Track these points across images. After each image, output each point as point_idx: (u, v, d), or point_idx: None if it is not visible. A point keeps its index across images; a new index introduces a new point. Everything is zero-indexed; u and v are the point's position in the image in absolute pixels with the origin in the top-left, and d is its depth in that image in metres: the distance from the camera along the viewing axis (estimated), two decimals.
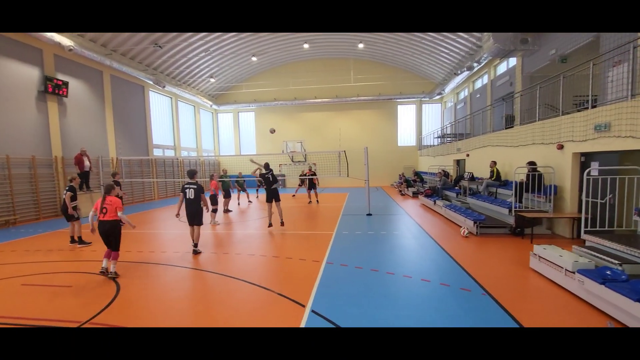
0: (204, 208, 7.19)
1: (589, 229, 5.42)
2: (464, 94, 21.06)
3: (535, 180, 8.12)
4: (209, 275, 5.76)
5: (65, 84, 13.43)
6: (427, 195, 14.11)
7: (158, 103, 20.47)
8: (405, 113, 26.62)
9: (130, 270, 6.14)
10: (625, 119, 5.85)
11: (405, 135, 26.80)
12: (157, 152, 19.97)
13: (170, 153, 21.49)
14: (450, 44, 17.98)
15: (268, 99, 26.21)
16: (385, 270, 5.73)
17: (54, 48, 13.05)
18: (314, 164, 25.53)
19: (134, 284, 5.43)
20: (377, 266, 5.96)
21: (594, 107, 6.92)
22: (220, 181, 12.47)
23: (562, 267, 4.68)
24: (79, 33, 13.88)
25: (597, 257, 4.75)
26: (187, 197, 6.97)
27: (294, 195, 18.85)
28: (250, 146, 27.97)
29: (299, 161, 26.12)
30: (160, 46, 17.25)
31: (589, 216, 5.57)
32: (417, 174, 19.79)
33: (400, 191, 19.77)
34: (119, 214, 5.75)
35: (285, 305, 4.37)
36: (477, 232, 8.19)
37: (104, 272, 5.68)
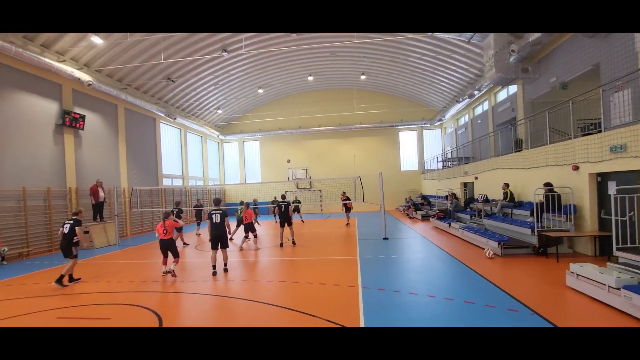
0: (228, 232, 7.98)
1: (620, 246, 5.57)
2: (464, 119, 21.81)
3: (554, 201, 8.35)
4: (248, 303, 5.73)
5: (82, 117, 13.77)
6: (439, 218, 14.24)
7: (168, 134, 20.88)
8: (407, 139, 27.33)
9: (168, 300, 6.09)
10: None
11: (408, 160, 27.34)
12: (166, 182, 20.10)
13: (178, 182, 21.61)
14: (451, 75, 18.86)
15: (273, 128, 26.83)
16: (425, 293, 5.76)
17: (72, 83, 13.49)
18: (320, 190, 25.86)
19: (176, 315, 5.38)
20: (415, 289, 5.99)
21: (601, 129, 7.33)
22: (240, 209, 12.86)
23: (605, 284, 4.78)
24: (96, 68, 14.43)
25: (637, 273, 4.86)
26: (214, 221, 7.62)
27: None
28: (256, 174, 28.23)
29: (304, 188, 26.40)
30: (172, 80, 17.90)
31: (619, 233, 5.73)
32: (425, 197, 20.02)
33: (408, 215, 19.88)
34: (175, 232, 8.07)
35: None
36: (502, 253, 8.29)
37: (165, 273, 7.67)
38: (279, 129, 26.85)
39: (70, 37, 12.36)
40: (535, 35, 11.00)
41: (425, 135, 27.23)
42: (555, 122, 9.99)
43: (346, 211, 16.96)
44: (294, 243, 11.38)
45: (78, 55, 13.49)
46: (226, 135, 27.32)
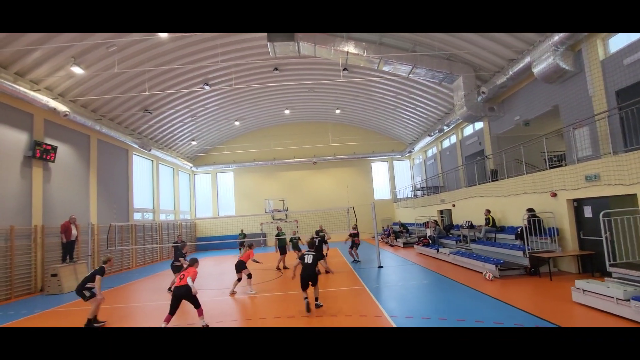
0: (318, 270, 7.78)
1: (612, 262, 6.36)
2: (433, 151, 23.55)
3: (536, 225, 9.28)
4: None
5: (54, 148, 12.74)
6: (425, 245, 14.86)
7: (140, 166, 19.86)
8: (379, 169, 28.62)
9: None
10: (612, 170, 7.31)
11: (380, 190, 28.43)
12: (136, 216, 18.79)
13: (149, 216, 20.29)
14: (421, 112, 20.49)
15: (247, 160, 26.67)
16: (455, 317, 6.00)
17: (45, 113, 12.58)
18: (296, 221, 25.69)
19: None
20: (441, 314, 6.22)
21: (565, 161, 8.55)
22: (277, 239, 13.55)
23: (613, 297, 5.41)
24: (72, 99, 13.65)
25: (637, 285, 5.57)
26: (305, 262, 7.41)
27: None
28: (229, 206, 27.42)
29: (280, 219, 26.09)
30: (150, 112, 17.39)
31: (609, 252, 6.53)
32: (403, 225, 20.80)
33: (388, 242, 20.40)
34: (188, 279, 6.25)
35: None
36: (499, 275, 8.89)
37: None
38: (254, 160, 26.77)
39: (47, 66, 11.72)
40: (501, 80, 12.63)
41: (395, 166, 28.75)
42: (521, 155, 11.40)
43: (353, 247, 13.47)
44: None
45: (53, 85, 12.73)
46: (199, 166, 26.56)
